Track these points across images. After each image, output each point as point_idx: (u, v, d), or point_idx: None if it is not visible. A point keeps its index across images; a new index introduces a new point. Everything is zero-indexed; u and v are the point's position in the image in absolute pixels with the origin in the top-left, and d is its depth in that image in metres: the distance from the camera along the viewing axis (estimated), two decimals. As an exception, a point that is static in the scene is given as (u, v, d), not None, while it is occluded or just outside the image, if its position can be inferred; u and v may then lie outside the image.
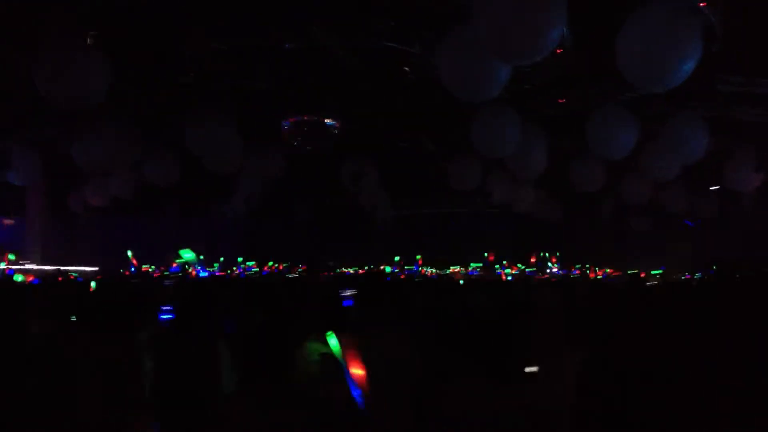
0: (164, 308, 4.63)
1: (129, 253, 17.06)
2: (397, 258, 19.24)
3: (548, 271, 21.40)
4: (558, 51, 7.65)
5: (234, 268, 21.79)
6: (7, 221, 18.46)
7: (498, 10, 5.88)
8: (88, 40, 7.99)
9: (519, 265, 21.90)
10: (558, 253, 21.95)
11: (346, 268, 21.54)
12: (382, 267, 17.57)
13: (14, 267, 11.64)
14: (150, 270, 18.08)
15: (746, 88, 9.48)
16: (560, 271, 21.40)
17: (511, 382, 3.28)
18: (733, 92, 9.74)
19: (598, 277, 20.54)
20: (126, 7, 7.88)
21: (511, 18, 5.82)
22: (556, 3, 5.81)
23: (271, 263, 22.01)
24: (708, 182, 13.10)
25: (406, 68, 9.32)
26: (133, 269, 17.03)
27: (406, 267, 20.69)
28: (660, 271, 19.09)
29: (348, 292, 3.97)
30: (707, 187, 13.76)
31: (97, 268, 17.50)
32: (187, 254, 11.90)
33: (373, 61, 9.26)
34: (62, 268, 16.64)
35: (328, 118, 10.82)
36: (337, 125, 10.92)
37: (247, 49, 9.16)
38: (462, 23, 6.61)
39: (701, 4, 6.91)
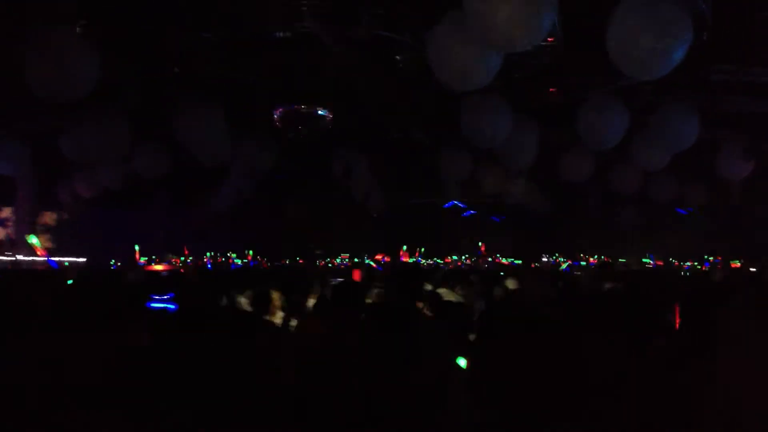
0: (157, 297, 4.55)
1: (136, 247, 17.07)
2: (404, 247, 19.28)
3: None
4: (549, 40, 7.65)
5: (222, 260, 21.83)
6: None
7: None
8: (77, 30, 7.92)
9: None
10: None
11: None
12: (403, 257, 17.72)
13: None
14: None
15: (737, 77, 9.50)
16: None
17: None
18: (723, 81, 9.75)
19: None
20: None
21: (503, 5, 5.83)
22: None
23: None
24: (698, 171, 13.12)
25: (397, 57, 9.29)
26: (140, 263, 17.03)
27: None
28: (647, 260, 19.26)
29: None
30: (697, 176, 13.79)
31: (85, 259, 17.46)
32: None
33: (363, 50, 9.22)
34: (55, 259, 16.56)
35: (319, 107, 10.79)
36: (329, 115, 10.89)
37: (237, 39, 9.10)
38: (452, 11, 6.59)
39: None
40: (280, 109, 10.69)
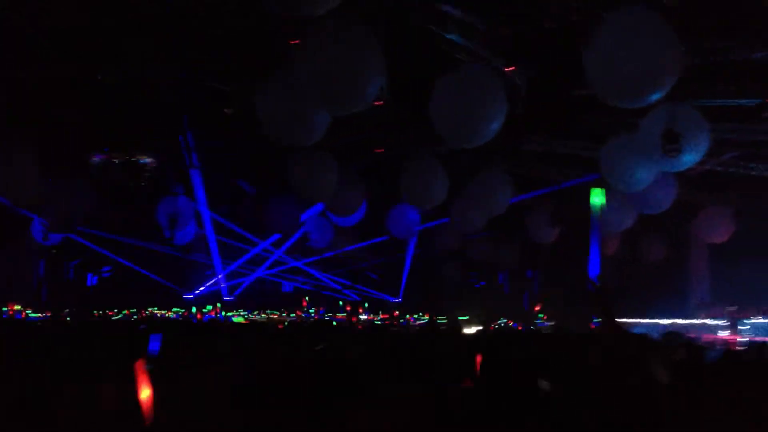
0: None
1: None
2: None
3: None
4: (376, 103, 7.88)
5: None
6: None
7: (319, 59, 6.00)
8: None
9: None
10: None
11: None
12: None
13: None
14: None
15: (547, 147, 10.21)
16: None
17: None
18: (535, 151, 10.45)
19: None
20: None
21: (331, 67, 5.96)
22: (375, 57, 6.02)
23: None
24: (512, 234, 13.90)
25: (226, 109, 9.22)
26: None
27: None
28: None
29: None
30: (511, 239, 14.60)
31: None
32: None
33: (193, 97, 9.09)
34: None
35: (142, 155, 10.44)
36: (152, 163, 10.57)
37: (57, 79, 8.69)
38: (283, 68, 6.66)
39: (507, 69, 7.40)
40: (98, 156, 10.24)
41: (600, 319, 3.35)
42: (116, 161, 10.42)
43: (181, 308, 21.34)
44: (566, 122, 9.36)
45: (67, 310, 17.92)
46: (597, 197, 10.40)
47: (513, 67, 7.60)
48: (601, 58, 5.80)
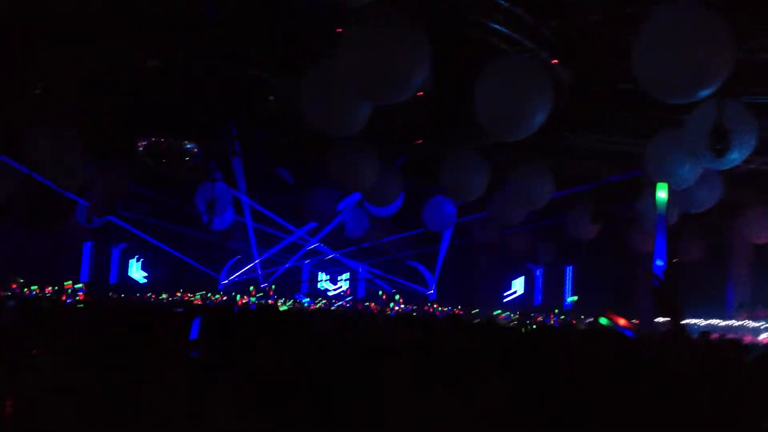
0: None
1: None
2: None
3: None
4: (419, 94, 7.87)
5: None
6: None
7: (364, 49, 6.00)
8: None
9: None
10: None
11: None
12: None
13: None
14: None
15: (590, 142, 10.11)
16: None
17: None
18: (577, 146, 10.35)
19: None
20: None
21: (375, 57, 5.95)
22: (421, 48, 6.00)
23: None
24: (550, 229, 13.81)
25: (271, 97, 9.29)
26: None
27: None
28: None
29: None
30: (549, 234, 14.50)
31: None
32: None
33: (238, 87, 9.17)
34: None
35: (185, 141, 10.56)
36: (195, 149, 10.68)
37: (104, 66, 8.82)
38: (327, 58, 6.67)
39: (553, 61, 7.34)
40: (145, 141, 10.38)
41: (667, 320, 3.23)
42: (160, 146, 10.55)
43: (217, 294, 21.57)
44: (610, 117, 9.25)
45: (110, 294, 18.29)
46: (662, 192, 10.18)
47: (558, 60, 7.54)
48: (650, 53, 5.70)
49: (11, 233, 17.61)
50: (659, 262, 9.75)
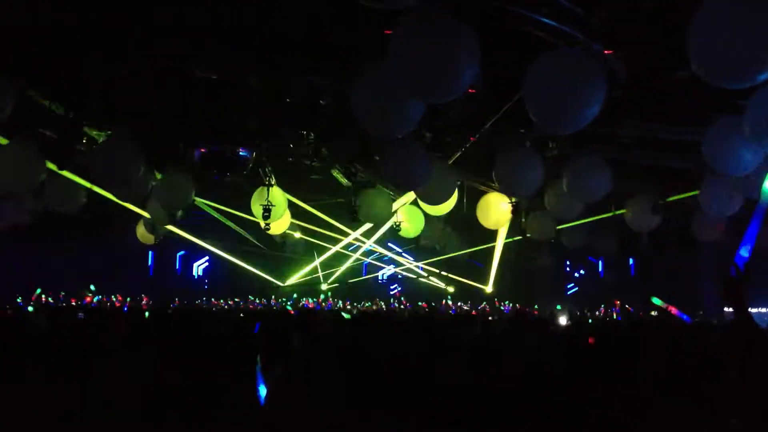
0: None
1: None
2: None
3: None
4: (470, 91, 7.85)
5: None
6: None
7: (414, 48, 6.02)
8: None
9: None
10: None
11: None
12: None
13: None
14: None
15: (646, 132, 9.92)
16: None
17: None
18: (632, 136, 10.17)
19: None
20: (31, 29, 7.64)
21: (427, 56, 5.97)
22: (470, 44, 5.99)
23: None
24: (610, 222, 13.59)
25: (322, 101, 9.37)
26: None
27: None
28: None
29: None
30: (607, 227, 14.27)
31: None
32: None
33: (289, 92, 9.28)
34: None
35: (241, 148, 10.73)
36: (251, 156, 10.85)
37: (158, 75, 9.01)
38: (378, 59, 6.70)
39: (606, 52, 7.23)
40: (201, 150, 10.58)
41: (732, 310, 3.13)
42: (216, 155, 10.75)
43: (280, 298, 21.90)
44: (667, 105, 9.07)
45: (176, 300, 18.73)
46: None
47: (611, 50, 7.41)
48: (706, 37, 5.57)
49: (77, 246, 18.22)
50: (744, 252, 9.43)
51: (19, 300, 16.91)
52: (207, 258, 22.05)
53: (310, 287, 21.02)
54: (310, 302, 21.70)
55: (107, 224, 15.64)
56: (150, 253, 21.23)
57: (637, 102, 8.78)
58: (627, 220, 12.41)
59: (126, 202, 12.90)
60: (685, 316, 12.64)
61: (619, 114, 8.97)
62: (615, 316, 18.22)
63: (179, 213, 13.47)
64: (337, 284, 20.83)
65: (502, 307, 21.06)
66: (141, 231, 14.56)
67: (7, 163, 9.69)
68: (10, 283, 17.65)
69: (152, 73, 8.89)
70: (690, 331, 7.19)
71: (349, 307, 22.06)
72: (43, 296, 18.98)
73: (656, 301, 12.39)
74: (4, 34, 7.52)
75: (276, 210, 12.39)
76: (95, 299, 19.56)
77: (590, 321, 13.61)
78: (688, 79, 6.58)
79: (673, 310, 13.28)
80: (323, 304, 21.34)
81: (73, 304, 17.87)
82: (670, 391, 3.44)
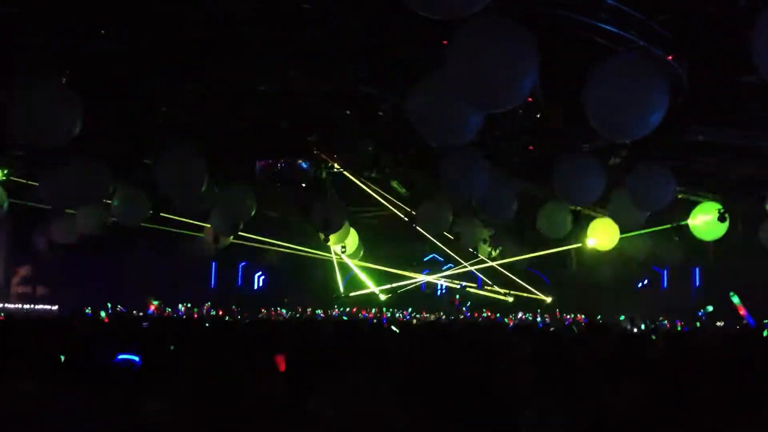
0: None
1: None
2: None
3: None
4: (529, 99, 7.80)
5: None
6: None
7: (472, 58, 6.00)
8: (63, 80, 7.93)
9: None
10: None
11: None
12: None
13: None
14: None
15: (712, 138, 9.70)
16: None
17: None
18: (696, 142, 9.96)
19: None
20: (99, 47, 7.89)
21: (485, 66, 5.94)
22: (529, 53, 5.95)
23: None
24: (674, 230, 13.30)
25: (380, 112, 9.43)
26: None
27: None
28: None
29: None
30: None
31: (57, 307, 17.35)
32: None
33: (347, 104, 9.37)
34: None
35: (301, 160, 10.87)
36: (311, 168, 10.98)
37: (222, 90, 9.21)
38: (434, 69, 6.71)
39: (668, 57, 7.10)
40: (263, 163, 10.75)
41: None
42: (277, 167, 10.90)
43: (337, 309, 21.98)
44: (732, 111, 8.86)
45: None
46: None
47: (673, 56, 7.29)
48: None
49: (142, 257, 18.68)
50: None
51: (88, 311, 17.31)
52: (267, 268, 22.28)
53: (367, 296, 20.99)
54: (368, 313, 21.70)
55: (172, 236, 15.97)
56: (212, 263, 21.56)
57: (702, 107, 8.60)
58: (693, 229, 12.12)
59: (189, 214, 13.17)
60: (751, 321, 12.30)
61: (685, 120, 8.79)
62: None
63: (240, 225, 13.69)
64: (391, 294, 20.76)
65: (564, 319, 20.72)
66: (206, 238, 14.80)
67: (74, 176, 9.96)
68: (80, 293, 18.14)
69: (217, 89, 9.08)
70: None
71: (408, 317, 22.00)
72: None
73: (734, 298, 12.15)
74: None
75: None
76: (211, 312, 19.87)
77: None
78: (756, 84, 6.44)
79: (743, 311, 12.95)
80: (377, 315, 21.29)
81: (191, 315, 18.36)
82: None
